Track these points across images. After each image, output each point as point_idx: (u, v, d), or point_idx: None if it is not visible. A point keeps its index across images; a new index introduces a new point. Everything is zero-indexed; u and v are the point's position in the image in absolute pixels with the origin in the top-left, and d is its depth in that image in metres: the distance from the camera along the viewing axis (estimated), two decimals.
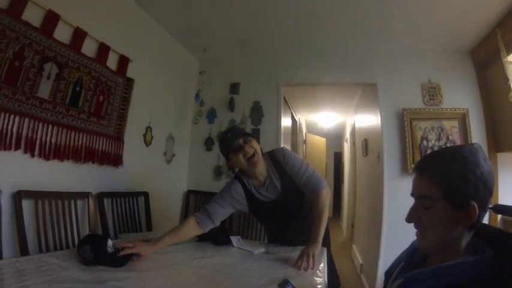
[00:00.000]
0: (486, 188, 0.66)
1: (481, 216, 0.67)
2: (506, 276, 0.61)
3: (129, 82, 2.12)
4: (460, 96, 2.94)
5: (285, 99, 3.17)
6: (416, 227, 0.73)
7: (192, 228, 1.41)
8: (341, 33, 2.64)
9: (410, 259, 0.82)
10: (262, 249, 1.50)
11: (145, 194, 2.28)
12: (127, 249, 1.17)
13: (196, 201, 2.79)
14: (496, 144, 2.97)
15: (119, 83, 2.04)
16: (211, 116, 2.98)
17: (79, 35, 1.70)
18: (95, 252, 1.13)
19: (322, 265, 1.24)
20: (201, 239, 1.61)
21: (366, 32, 2.62)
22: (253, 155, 1.38)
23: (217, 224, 1.45)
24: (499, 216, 2.62)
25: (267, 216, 1.60)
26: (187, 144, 2.97)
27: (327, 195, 1.42)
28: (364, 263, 3.44)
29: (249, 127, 2.90)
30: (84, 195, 1.74)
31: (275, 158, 1.50)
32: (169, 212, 2.72)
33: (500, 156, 2.97)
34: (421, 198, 0.71)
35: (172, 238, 1.36)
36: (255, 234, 2.52)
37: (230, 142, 1.41)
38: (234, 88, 3.02)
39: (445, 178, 0.67)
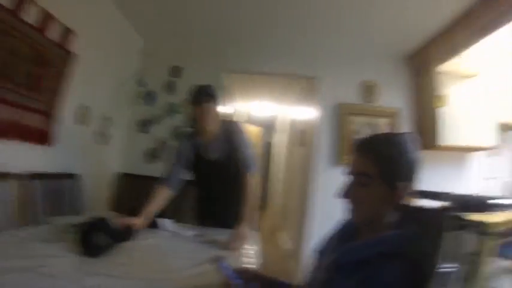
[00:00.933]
0: (414, 173, 0.79)
1: (407, 196, 0.80)
2: (426, 247, 0.76)
3: (70, 56, 2.11)
4: (394, 97, 3.42)
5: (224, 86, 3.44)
6: (351, 202, 0.82)
7: (163, 194, 1.72)
8: (286, 25, 2.91)
9: (341, 235, 0.90)
10: (194, 232, 1.67)
11: (77, 176, 2.32)
12: (125, 221, 1.41)
13: (129, 185, 2.98)
14: (420, 142, 3.45)
15: (59, 56, 2.02)
16: (151, 98, 3.18)
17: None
18: (110, 235, 1.22)
19: (254, 249, 1.45)
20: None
21: (311, 26, 2.90)
22: (206, 116, 1.66)
23: (179, 185, 1.78)
24: None
25: (205, 176, 1.86)
26: (123, 126, 3.11)
27: (257, 181, 1.70)
28: (293, 248, 3.91)
29: (187, 111, 3.08)
30: (11, 176, 1.71)
31: (230, 126, 1.79)
32: (101, 195, 2.84)
33: (424, 153, 3.47)
34: (359, 175, 0.80)
35: (155, 207, 1.66)
36: (185, 218, 2.80)
37: (195, 95, 1.69)
38: (176, 71, 3.24)
39: (383, 159, 0.77)
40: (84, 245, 1.16)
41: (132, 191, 2.96)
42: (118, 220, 1.39)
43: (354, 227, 0.89)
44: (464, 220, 0.70)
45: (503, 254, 2.83)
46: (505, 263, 3.22)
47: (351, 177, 0.82)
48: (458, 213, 0.84)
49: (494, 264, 3.09)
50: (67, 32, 2.06)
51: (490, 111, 3.65)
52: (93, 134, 2.63)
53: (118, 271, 1.04)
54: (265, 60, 3.28)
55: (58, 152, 2.14)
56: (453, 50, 2.97)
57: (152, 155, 3.07)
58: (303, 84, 3.96)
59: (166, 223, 1.76)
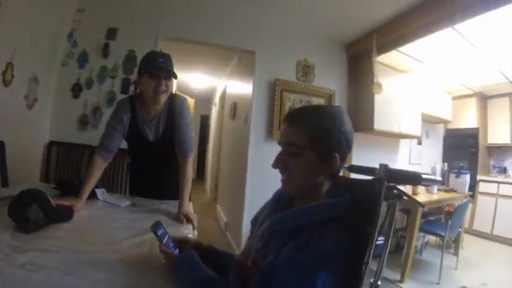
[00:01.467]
0: (347, 144, 0.82)
1: (340, 168, 0.85)
2: (357, 214, 0.79)
3: None
4: (330, 79, 3.71)
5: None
6: (281, 172, 0.85)
7: (101, 166, 1.64)
8: None
9: (275, 205, 0.93)
10: (128, 202, 1.67)
11: (1, 144, 2.23)
12: (62, 202, 1.33)
13: (59, 154, 2.96)
14: (354, 125, 3.77)
15: None
16: (83, 60, 3.11)
17: None
18: (44, 211, 1.14)
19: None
20: (63, 193, 1.69)
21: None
22: (163, 92, 1.56)
23: (116, 151, 1.68)
24: None
25: (140, 152, 1.81)
26: (52, 89, 3.01)
27: (191, 163, 1.69)
28: (228, 221, 4.21)
29: (120, 76, 3.14)
30: None
31: (173, 102, 1.68)
32: (28, 165, 2.78)
33: (356, 135, 3.80)
34: (289, 146, 0.82)
35: (91, 183, 1.58)
36: (120, 187, 2.92)
37: (155, 65, 1.53)
38: (111, 33, 3.18)
39: (314, 129, 0.80)
40: (16, 218, 1.10)
41: (62, 160, 2.95)
42: (59, 203, 1.31)
43: (287, 198, 0.92)
44: (400, 190, 0.80)
45: (424, 229, 3.33)
46: (427, 237, 3.79)
47: (282, 147, 0.85)
48: (394, 184, 0.84)
49: (421, 238, 3.64)
50: None
51: (416, 104, 4.07)
52: (18, 96, 2.50)
53: (52, 245, 1.01)
54: (203, 29, 3.31)
55: None
56: (392, 43, 3.25)
57: (83, 121, 3.04)
58: (241, 58, 4.11)
59: (99, 193, 1.73)
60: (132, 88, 3.04)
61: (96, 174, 1.63)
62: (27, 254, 0.92)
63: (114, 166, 2.90)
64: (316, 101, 3.58)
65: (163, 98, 1.60)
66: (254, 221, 0.98)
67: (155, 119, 1.69)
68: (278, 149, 0.86)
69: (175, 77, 1.61)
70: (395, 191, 0.81)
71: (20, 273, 0.81)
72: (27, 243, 1.00)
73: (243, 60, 4.03)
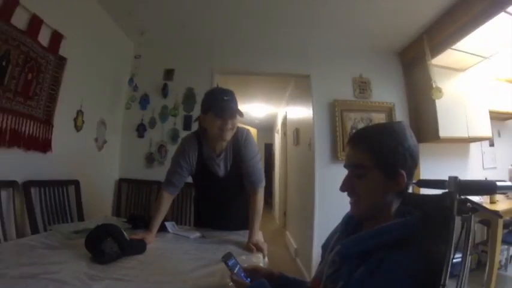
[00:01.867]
0: (412, 159, 0.81)
1: (408, 184, 0.83)
2: (429, 233, 0.78)
3: (61, 61, 2.21)
4: (388, 92, 3.63)
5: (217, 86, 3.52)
6: (350, 195, 0.85)
7: (169, 201, 1.70)
8: (277, 23, 3.08)
9: (345, 229, 0.93)
10: (198, 234, 1.70)
11: (76, 183, 2.45)
12: (134, 236, 1.42)
13: (128, 190, 3.15)
14: (418, 136, 3.63)
15: (50, 61, 2.11)
16: (144, 101, 3.35)
17: (9, 3, 1.73)
18: (118, 243, 1.21)
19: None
20: (134, 226, 1.80)
21: (301, 23, 3.07)
22: (228, 131, 1.55)
23: (182, 185, 1.71)
24: None
25: (208, 187, 1.81)
26: (119, 131, 3.27)
27: (262, 194, 1.69)
28: (298, 247, 4.09)
29: (181, 113, 3.33)
30: (9, 184, 1.81)
31: (237, 137, 1.67)
32: (100, 201, 2.97)
33: (421, 146, 3.66)
34: (355, 168, 0.83)
35: (160, 217, 1.64)
36: (189, 219, 2.98)
37: (221, 105, 1.50)
38: (168, 74, 3.42)
39: (377, 148, 0.80)
40: (92, 250, 1.19)
41: (131, 196, 3.13)
42: (132, 236, 1.40)
43: (357, 220, 0.91)
44: (474, 203, 0.75)
45: (508, 241, 3.03)
46: (510, 250, 3.42)
47: (348, 170, 0.85)
48: (466, 196, 0.79)
49: (504, 251, 3.31)
50: (56, 35, 2.14)
51: (481, 103, 3.85)
52: (89, 139, 2.75)
53: (126, 275, 1.07)
54: (256, 59, 3.46)
55: (56, 159, 2.24)
56: (445, 43, 3.17)
57: (149, 159, 3.22)
58: (298, 83, 4.16)
59: (169, 226, 1.81)
60: (195, 123, 3.20)
61: (164, 209, 1.67)
62: (103, 283, 0.98)
63: (181, 199, 2.99)
64: (376, 116, 3.47)
65: (229, 136, 1.58)
66: (325, 246, 0.96)
67: (222, 153, 1.68)
68: (345, 170, 0.86)
69: (241, 115, 1.57)
70: (468, 204, 0.77)
71: None
72: (103, 272, 1.06)
73: (299, 85, 4.07)
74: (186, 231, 1.76)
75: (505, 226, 3.26)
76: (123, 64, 3.30)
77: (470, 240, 0.78)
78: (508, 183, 0.84)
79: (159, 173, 3.10)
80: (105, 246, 1.17)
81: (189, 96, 3.33)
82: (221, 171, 1.71)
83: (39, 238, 1.46)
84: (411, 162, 0.80)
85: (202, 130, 1.68)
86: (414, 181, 0.91)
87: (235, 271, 0.96)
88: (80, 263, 1.12)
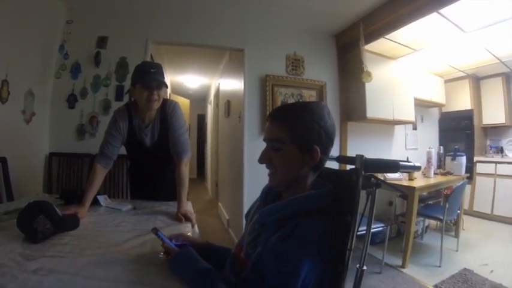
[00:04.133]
0: (328, 137, 0.88)
1: (324, 160, 0.91)
2: (339, 204, 0.87)
3: None
4: (321, 71, 3.83)
5: (151, 57, 3.60)
6: (268, 167, 0.92)
7: (102, 174, 1.77)
8: None
9: (265, 199, 1.01)
10: (130, 206, 1.79)
11: (3, 160, 2.36)
12: (67, 211, 1.44)
13: (59, 164, 3.09)
14: (347, 114, 3.90)
15: None
16: (76, 70, 3.22)
17: None
18: (51, 220, 1.21)
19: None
20: (67, 202, 1.82)
21: None
22: (155, 101, 1.69)
23: (115, 157, 1.81)
24: None
25: (139, 157, 1.96)
26: (48, 102, 3.13)
27: (186, 164, 1.82)
28: (230, 218, 4.35)
29: (113, 83, 3.27)
30: None
31: (165, 108, 1.81)
32: (30, 178, 2.88)
33: (350, 124, 3.94)
34: (272, 141, 0.90)
35: (93, 191, 1.70)
36: (121, 192, 3.06)
37: (147, 77, 1.66)
38: (102, 42, 3.29)
39: (293, 124, 0.86)
40: (24, 230, 1.19)
41: (62, 170, 3.08)
42: (65, 212, 1.42)
43: (276, 191, 0.99)
44: (377, 179, 0.89)
45: (423, 214, 3.49)
46: (428, 221, 3.94)
47: (266, 144, 0.93)
48: (372, 173, 0.93)
49: (421, 222, 3.79)
50: None
51: (408, 90, 4.23)
52: (15, 111, 2.60)
53: (60, 251, 1.11)
54: (192, 31, 3.43)
55: None
56: (379, 31, 3.40)
57: (80, 131, 3.16)
58: (232, 57, 4.24)
59: (101, 199, 1.86)
60: (126, 96, 3.16)
61: (98, 182, 1.74)
62: (37, 261, 1.01)
63: (114, 172, 3.02)
64: (307, 93, 3.68)
65: (155, 106, 1.72)
66: (247, 215, 1.05)
67: (150, 124, 1.82)
68: (262, 145, 0.95)
69: (166, 87, 1.76)
70: (372, 179, 0.88)
71: (33, 278, 0.91)
72: (37, 251, 1.10)
73: (233, 58, 4.14)
74: (118, 204, 1.83)
75: (422, 201, 3.73)
76: (54, 30, 3.10)
77: (373, 211, 0.90)
78: (410, 164, 0.97)
79: (91, 146, 3.09)
80: (37, 224, 1.17)
81: (122, 66, 3.26)
82: (148, 140, 1.84)
83: None
84: (326, 140, 0.88)
85: (133, 102, 1.83)
86: (334, 157, 1.02)
87: (165, 240, 1.07)
88: (13, 244, 1.14)
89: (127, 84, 3.20)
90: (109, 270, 0.99)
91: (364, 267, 0.89)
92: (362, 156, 0.90)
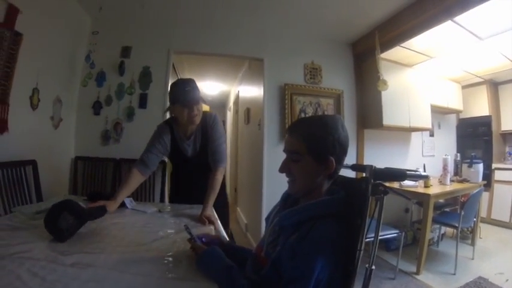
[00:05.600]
0: (341, 148, 0.97)
1: (338, 169, 0.99)
2: (350, 209, 0.95)
3: (17, 37, 2.16)
4: (338, 79, 3.93)
5: (173, 66, 3.76)
6: (287, 176, 1.01)
7: (138, 178, 1.87)
8: (234, 7, 3.22)
9: (284, 204, 1.10)
10: (155, 209, 1.88)
11: (33, 162, 2.47)
12: (93, 204, 1.54)
13: (84, 168, 3.25)
14: (364, 122, 3.98)
15: (6, 36, 2.07)
16: (101, 78, 3.40)
17: None
18: (75, 215, 1.26)
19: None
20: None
21: (258, 8, 3.23)
22: (196, 116, 1.81)
23: (155, 168, 1.94)
24: None
25: (180, 167, 2.07)
26: (74, 108, 3.28)
27: (221, 173, 1.91)
28: (248, 222, 4.47)
29: (137, 92, 3.43)
30: None
31: (205, 120, 1.93)
32: (57, 180, 3.02)
33: (367, 132, 4.02)
34: (291, 153, 0.98)
35: (126, 191, 1.81)
36: (147, 196, 3.18)
37: (185, 96, 1.77)
38: (126, 51, 3.47)
39: (309, 137, 0.95)
40: (50, 230, 1.23)
41: (87, 174, 3.23)
42: (91, 205, 1.52)
43: (294, 197, 1.08)
44: (385, 187, 0.99)
45: (438, 221, 3.53)
46: (444, 229, 3.97)
47: (286, 154, 1.01)
48: (381, 181, 1.03)
49: (437, 230, 3.82)
50: (12, 9, 2.10)
51: (424, 97, 4.28)
52: (45, 117, 2.75)
53: (94, 248, 1.19)
54: (212, 41, 3.58)
55: (12, 139, 2.25)
56: (395, 40, 3.48)
57: (105, 136, 3.32)
58: (251, 65, 4.36)
59: (128, 202, 1.92)
60: (149, 104, 3.40)
61: (133, 184, 1.85)
62: (73, 256, 1.09)
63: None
64: (324, 101, 3.77)
65: (197, 120, 1.85)
66: (267, 218, 1.13)
67: (192, 136, 1.94)
68: (282, 154, 1.04)
69: (205, 102, 1.88)
70: (381, 187, 0.95)
71: (71, 270, 0.99)
72: (72, 247, 1.18)
73: (253, 66, 4.25)
74: (143, 206, 1.93)
75: (438, 208, 3.76)
76: (80, 40, 3.28)
77: (381, 216, 0.97)
78: (416, 172, 1.06)
79: (115, 151, 3.28)
80: (61, 223, 1.21)
81: (145, 75, 3.42)
82: (190, 151, 1.95)
83: (3, 220, 1.53)
84: (340, 151, 0.97)
85: (173, 118, 1.96)
86: (349, 165, 1.10)
87: (194, 237, 1.17)
88: (47, 241, 1.21)
89: (150, 92, 3.41)
90: (141, 266, 1.09)
91: (373, 267, 0.97)
92: (372, 166, 0.98)
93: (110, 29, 3.41)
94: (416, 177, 1.08)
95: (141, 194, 3.16)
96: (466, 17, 2.83)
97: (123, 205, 1.89)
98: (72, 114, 3.26)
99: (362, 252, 0.91)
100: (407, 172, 1.00)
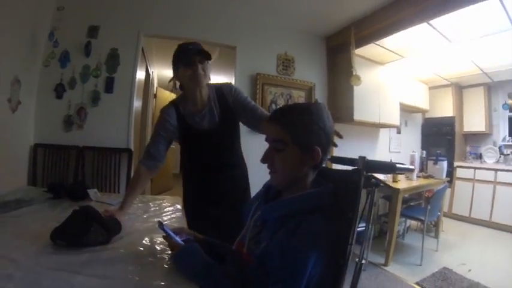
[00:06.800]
0: (327, 137, 0.92)
1: (323, 159, 0.93)
2: (339, 201, 0.91)
3: None
4: (310, 72, 3.92)
5: (142, 50, 3.55)
6: (269, 167, 0.95)
7: (146, 177, 1.62)
8: None
9: (265, 196, 1.04)
10: (121, 200, 1.63)
11: None
12: (110, 213, 1.38)
13: (45, 156, 2.98)
14: (334, 116, 4.05)
15: None
16: (64, 59, 3.13)
17: None
18: (105, 229, 1.16)
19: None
20: (56, 195, 1.78)
21: None
22: (201, 75, 1.55)
23: (164, 160, 1.64)
24: None
25: (198, 148, 1.67)
26: (34, 91, 3.01)
27: None
28: None
29: (103, 75, 3.20)
30: None
31: (221, 89, 1.69)
32: (14, 170, 2.75)
33: (337, 126, 4.09)
34: (274, 142, 0.93)
35: (134, 195, 1.58)
36: (112, 186, 3.01)
37: (187, 54, 1.54)
38: (93, 31, 3.21)
39: (295, 126, 0.90)
40: (69, 242, 1.09)
41: (48, 162, 2.97)
42: (105, 213, 1.36)
43: (276, 189, 1.03)
44: (377, 179, 0.97)
45: (405, 214, 3.65)
46: (409, 222, 4.12)
47: (268, 144, 0.96)
48: (371, 174, 0.96)
49: (402, 223, 3.95)
50: None
51: (394, 94, 4.42)
52: (1, 100, 2.43)
53: (55, 246, 1.09)
54: (184, 25, 3.42)
55: None
56: (370, 37, 3.55)
57: (67, 122, 3.07)
58: (222, 53, 4.25)
59: (91, 193, 1.84)
60: (116, 88, 3.19)
61: (140, 186, 1.60)
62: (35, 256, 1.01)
63: (103, 165, 3.04)
64: (296, 93, 3.76)
65: (203, 81, 1.58)
66: (246, 211, 1.07)
67: (206, 108, 1.65)
68: (262, 142, 0.97)
69: (209, 58, 1.60)
70: (373, 179, 0.94)
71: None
72: (34, 245, 1.10)
73: (223, 55, 4.14)
74: (108, 198, 1.84)
75: (404, 202, 3.90)
76: (44, 15, 2.99)
77: (372, 210, 0.96)
78: (405, 166, 1.05)
79: (78, 138, 3.05)
80: (89, 237, 1.11)
81: (112, 57, 3.20)
82: (206, 123, 1.65)
83: None
84: (326, 140, 0.92)
85: (179, 96, 1.73)
86: (328, 157, 1.02)
87: (170, 235, 1.06)
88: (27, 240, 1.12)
89: (117, 76, 3.19)
90: (111, 266, 0.99)
91: (363, 261, 0.98)
92: (364, 157, 0.96)
93: (76, 5, 3.14)
94: (404, 170, 1.06)
95: (105, 185, 3.00)
96: (440, 21, 2.93)
97: (86, 197, 1.80)
98: (32, 97, 2.95)
99: (352, 246, 0.90)
100: (397, 165, 1.00)
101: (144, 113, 4.61)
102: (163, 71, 5.93)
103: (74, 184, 1.88)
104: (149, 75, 4.81)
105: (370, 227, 0.99)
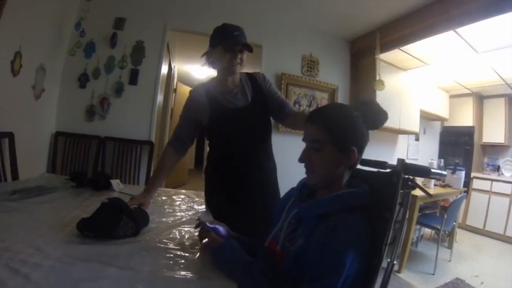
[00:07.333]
0: (363, 138, 0.94)
1: (358, 160, 0.96)
2: (375, 202, 0.93)
3: None
4: (334, 75, 3.89)
5: (167, 44, 3.54)
6: (306, 166, 0.96)
7: (173, 158, 1.56)
8: None
9: (300, 194, 1.05)
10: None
11: (10, 135, 2.24)
12: (135, 202, 1.35)
13: (65, 145, 3.00)
14: None
15: None
16: (90, 49, 3.15)
17: None
18: (134, 222, 1.15)
19: None
20: (79, 184, 1.79)
21: None
22: (238, 64, 1.51)
23: (191, 143, 1.60)
24: None
25: (228, 130, 1.53)
26: (58, 79, 3.03)
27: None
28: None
29: (128, 66, 3.22)
30: None
31: (253, 76, 1.65)
32: (35, 157, 2.79)
33: None
34: (312, 142, 0.94)
35: (160, 176, 1.55)
36: (132, 178, 3.03)
37: (231, 39, 1.48)
38: (119, 23, 3.24)
39: (333, 126, 0.91)
40: (97, 233, 1.07)
41: (68, 151, 2.99)
42: (131, 202, 1.32)
43: (310, 188, 1.03)
44: (413, 182, 0.98)
45: (421, 222, 3.63)
46: (422, 230, 4.09)
47: (306, 144, 0.96)
48: (409, 176, 0.97)
49: (416, 231, 3.93)
50: None
51: (415, 101, 4.39)
52: (26, 86, 2.50)
53: (81, 237, 1.07)
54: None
55: None
56: (395, 43, 3.51)
57: (90, 112, 3.10)
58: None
59: (115, 184, 1.84)
60: (140, 81, 3.21)
61: (168, 167, 1.57)
62: (60, 247, 0.98)
63: (125, 156, 3.07)
64: (319, 95, 3.74)
65: (238, 70, 1.54)
66: (279, 209, 1.08)
67: (237, 88, 1.58)
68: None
69: (251, 51, 1.54)
70: (410, 182, 0.96)
71: (58, 265, 0.87)
72: (58, 233, 1.08)
73: (249, 53, 4.18)
74: (131, 189, 1.83)
75: (420, 210, 3.87)
76: (72, 5, 3.02)
77: (407, 211, 0.99)
78: (439, 171, 1.07)
79: (100, 128, 3.07)
80: (118, 231, 1.09)
81: (138, 49, 3.22)
82: (239, 102, 1.55)
83: None
84: (362, 141, 0.93)
85: (209, 80, 1.65)
86: (372, 160, 1.07)
87: (208, 226, 1.08)
88: (26, 227, 1.10)
89: (142, 68, 3.19)
90: (143, 260, 0.98)
91: (395, 262, 0.99)
92: (403, 160, 0.99)
93: None
94: (438, 175, 1.08)
95: (125, 176, 3.02)
96: (467, 29, 2.87)
97: (108, 187, 1.80)
98: (56, 85, 3.00)
99: (387, 246, 0.91)
100: (432, 170, 1.02)
101: (164, 107, 4.61)
102: (184, 66, 5.94)
103: (97, 174, 1.85)
104: (171, 69, 4.79)
105: (404, 228, 0.99)
